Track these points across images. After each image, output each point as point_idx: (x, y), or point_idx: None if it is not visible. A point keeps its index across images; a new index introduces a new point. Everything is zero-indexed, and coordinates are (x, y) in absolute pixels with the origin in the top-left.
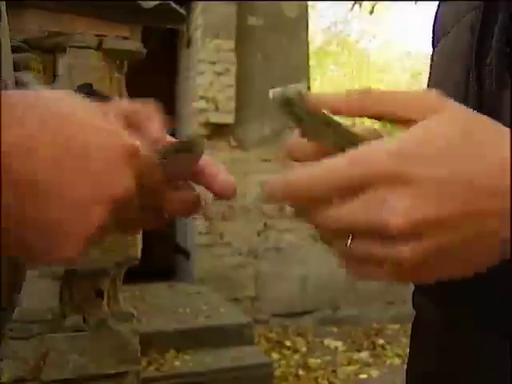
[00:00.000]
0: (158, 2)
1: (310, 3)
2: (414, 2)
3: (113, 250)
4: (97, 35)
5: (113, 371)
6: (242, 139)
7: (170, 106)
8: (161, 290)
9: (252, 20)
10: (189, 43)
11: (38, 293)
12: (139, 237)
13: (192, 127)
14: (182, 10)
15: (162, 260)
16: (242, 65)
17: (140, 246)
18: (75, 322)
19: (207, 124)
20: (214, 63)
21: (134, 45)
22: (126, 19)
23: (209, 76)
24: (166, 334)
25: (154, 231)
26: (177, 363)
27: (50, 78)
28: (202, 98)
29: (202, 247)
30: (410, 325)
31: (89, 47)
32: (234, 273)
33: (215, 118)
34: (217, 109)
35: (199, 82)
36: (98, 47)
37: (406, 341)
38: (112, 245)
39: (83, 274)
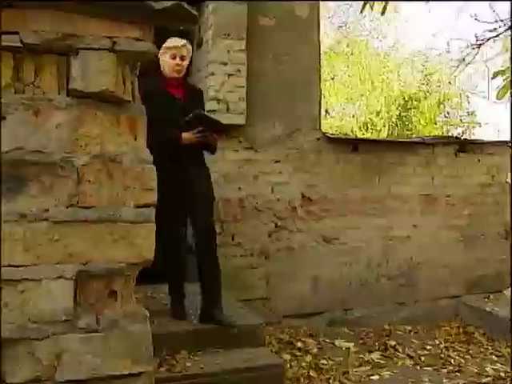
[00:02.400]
0: (170, 3)
1: (321, 3)
2: (425, 2)
3: (127, 251)
4: (109, 37)
5: (126, 372)
6: (253, 140)
7: None
8: None
9: (263, 20)
10: (200, 44)
11: (52, 294)
12: (153, 238)
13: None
14: (194, 11)
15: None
16: (253, 65)
17: (153, 247)
18: (89, 322)
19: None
20: (225, 64)
21: (147, 46)
22: (138, 20)
23: (220, 77)
24: (177, 335)
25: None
26: (188, 364)
27: (64, 79)
28: (212, 99)
29: None
30: (422, 326)
31: (102, 49)
32: (245, 273)
33: (226, 119)
34: (228, 109)
35: (210, 83)
36: (111, 49)
37: (417, 342)
38: (127, 245)
39: (97, 274)
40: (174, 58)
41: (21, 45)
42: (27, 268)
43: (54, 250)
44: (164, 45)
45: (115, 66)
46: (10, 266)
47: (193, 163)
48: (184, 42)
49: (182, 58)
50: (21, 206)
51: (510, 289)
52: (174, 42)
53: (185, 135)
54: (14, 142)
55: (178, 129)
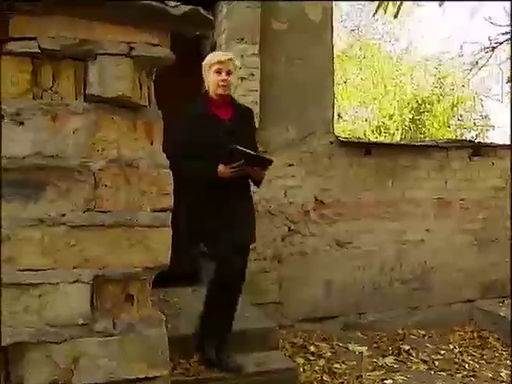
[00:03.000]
0: (187, 9)
1: (333, 6)
2: (438, 3)
3: (143, 255)
4: (126, 42)
5: (142, 376)
6: (267, 144)
7: None
8: (185, 294)
9: (276, 24)
10: (213, 48)
11: (69, 298)
12: (169, 243)
13: None
14: (210, 16)
15: (186, 264)
16: (267, 69)
17: (170, 252)
18: (105, 326)
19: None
20: (238, 68)
21: (164, 51)
22: (155, 26)
23: (233, 81)
24: (191, 339)
25: (178, 236)
26: (202, 368)
27: (81, 85)
28: None
29: None
30: (435, 330)
31: (119, 54)
32: (258, 278)
33: None
34: None
35: None
36: (128, 54)
37: (431, 346)
38: (143, 250)
39: (113, 279)
40: (219, 73)
41: (39, 50)
42: (45, 272)
43: (71, 254)
44: (206, 60)
45: (132, 71)
46: (28, 270)
47: (233, 194)
48: (230, 55)
49: (228, 73)
50: (39, 211)
51: None
52: (218, 56)
53: (220, 169)
54: (33, 147)
55: (221, 157)
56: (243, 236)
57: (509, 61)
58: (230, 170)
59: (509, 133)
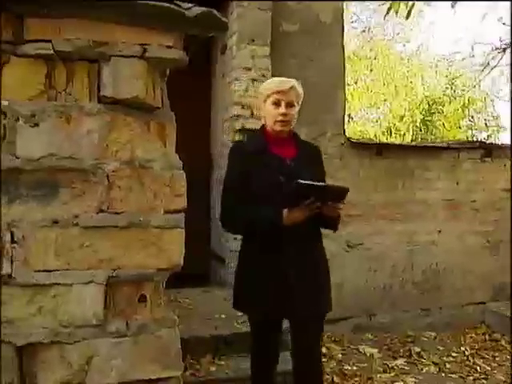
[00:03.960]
0: (201, 11)
1: (344, 7)
2: (451, 4)
3: (157, 256)
4: (140, 44)
5: (155, 376)
6: None
7: (205, 111)
8: (195, 294)
9: (287, 26)
10: (224, 49)
11: (82, 298)
12: (182, 244)
13: (227, 133)
14: (224, 18)
15: (196, 265)
16: (277, 71)
17: (183, 253)
18: (119, 327)
19: (243, 130)
20: (249, 69)
21: (177, 53)
22: (169, 27)
23: (244, 82)
24: (201, 340)
25: (189, 237)
26: (212, 369)
27: (95, 86)
28: (237, 104)
29: (236, 253)
30: (447, 332)
31: (133, 56)
32: None
33: (251, 125)
34: (252, 115)
35: (234, 89)
36: (142, 56)
37: (442, 349)
38: (156, 251)
39: (127, 280)
40: (278, 104)
41: (53, 52)
42: (59, 273)
43: (84, 255)
44: (263, 89)
45: (145, 72)
46: (42, 270)
47: (298, 249)
48: (292, 83)
49: (290, 105)
50: (53, 212)
51: None
52: (277, 84)
53: (285, 215)
54: (47, 149)
55: (284, 200)
56: (313, 299)
57: None
58: (299, 213)
59: None
